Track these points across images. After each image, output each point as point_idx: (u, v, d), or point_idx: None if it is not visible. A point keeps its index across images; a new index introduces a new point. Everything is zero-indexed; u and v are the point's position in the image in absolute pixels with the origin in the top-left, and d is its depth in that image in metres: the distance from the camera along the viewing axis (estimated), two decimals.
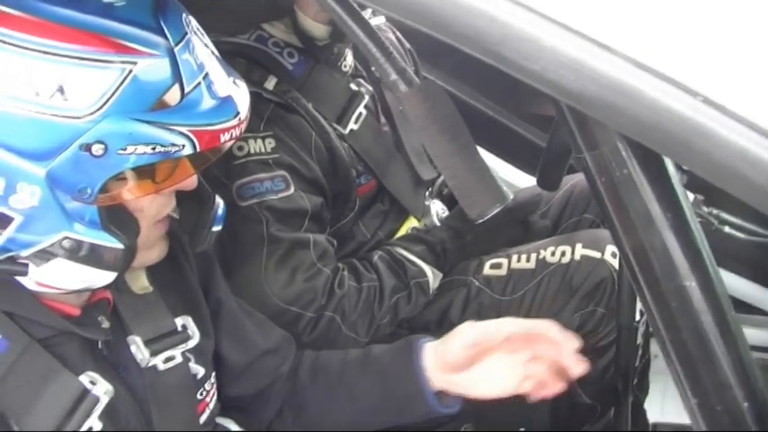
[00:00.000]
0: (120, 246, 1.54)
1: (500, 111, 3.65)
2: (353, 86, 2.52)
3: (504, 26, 0.97)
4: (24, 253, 1.52)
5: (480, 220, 1.28)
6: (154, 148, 1.42)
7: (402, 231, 2.64)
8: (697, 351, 1.13)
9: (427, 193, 2.76)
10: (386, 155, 2.58)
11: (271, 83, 2.32)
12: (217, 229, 1.77)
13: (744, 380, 1.13)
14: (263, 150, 2.26)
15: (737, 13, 1.07)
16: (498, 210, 1.25)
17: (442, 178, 2.81)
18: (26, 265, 1.53)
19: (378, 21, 2.59)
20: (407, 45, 2.74)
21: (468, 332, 1.90)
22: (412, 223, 2.66)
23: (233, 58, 2.21)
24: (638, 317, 2.37)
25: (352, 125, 2.47)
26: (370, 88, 2.57)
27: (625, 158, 1.08)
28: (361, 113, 2.49)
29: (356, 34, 1.22)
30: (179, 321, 1.83)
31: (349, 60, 2.54)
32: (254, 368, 2.04)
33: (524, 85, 1.02)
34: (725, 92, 0.96)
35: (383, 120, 2.63)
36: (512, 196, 1.28)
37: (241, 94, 1.57)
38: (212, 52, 1.58)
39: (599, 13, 1.01)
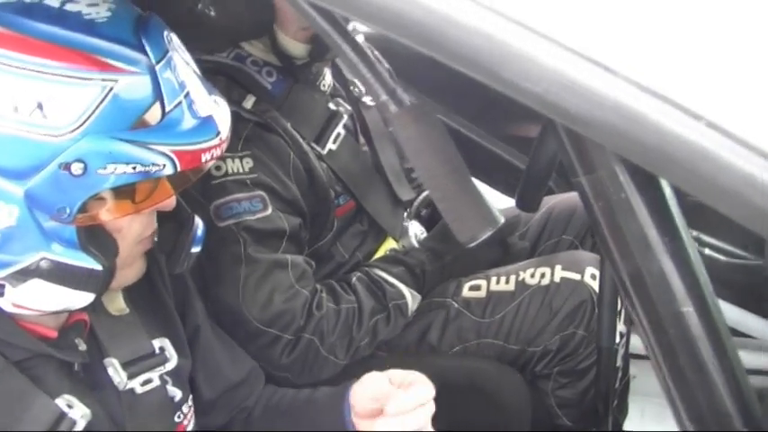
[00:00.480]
0: (99, 266, 1.52)
1: (476, 131, 3.64)
2: (332, 106, 2.51)
3: (503, 47, 0.95)
4: (0, 273, 1.49)
5: (471, 244, 1.26)
6: (134, 168, 1.41)
7: (380, 252, 2.62)
8: (695, 378, 1.12)
9: (405, 214, 2.74)
10: (364, 175, 2.57)
11: (249, 102, 2.31)
12: (195, 250, 1.75)
13: (742, 407, 1.11)
14: (240, 170, 2.24)
15: (743, 36, 1.06)
16: (490, 234, 1.24)
17: (419, 199, 2.81)
18: (2, 285, 1.51)
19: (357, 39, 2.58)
20: (386, 64, 2.73)
21: (369, 385, 1.87)
22: (390, 244, 2.65)
23: (213, 75, 2.20)
24: (617, 339, 2.37)
25: (330, 145, 2.45)
26: (349, 108, 2.57)
27: (623, 182, 1.07)
28: (339, 133, 2.48)
29: (345, 54, 1.20)
30: (156, 343, 1.81)
31: (327, 80, 2.53)
32: (222, 402, 2.02)
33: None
34: (728, 115, 0.95)
35: (362, 140, 2.62)
36: (503, 220, 1.26)
37: (222, 114, 1.56)
38: (194, 70, 1.57)
39: (601, 35, 1.00)
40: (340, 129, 2.49)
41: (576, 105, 0.94)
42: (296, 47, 2.33)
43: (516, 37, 0.95)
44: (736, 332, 3.17)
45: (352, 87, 2.62)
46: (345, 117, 2.52)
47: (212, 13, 2.22)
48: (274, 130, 2.30)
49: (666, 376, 1.14)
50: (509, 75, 0.95)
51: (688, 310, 1.09)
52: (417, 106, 1.21)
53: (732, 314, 3.13)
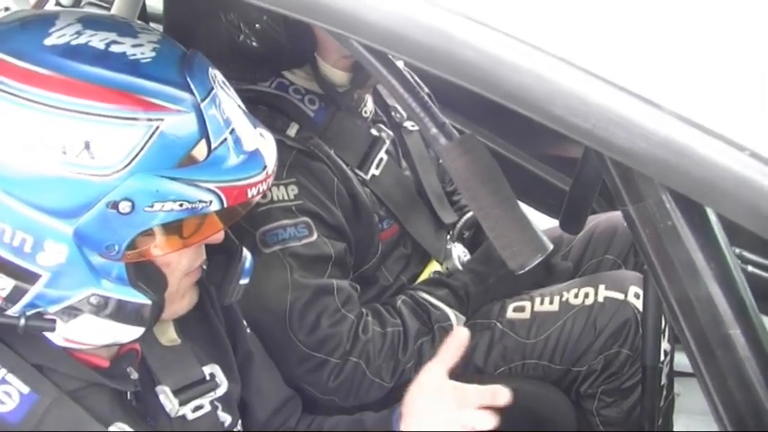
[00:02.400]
0: (148, 301, 1.54)
1: (515, 151, 3.65)
2: (374, 132, 2.53)
3: (553, 85, 0.98)
4: (52, 309, 1.52)
5: (521, 271, 1.28)
6: (181, 205, 1.42)
7: (424, 275, 2.63)
8: (742, 398, 1.14)
9: (448, 237, 2.76)
10: (407, 199, 2.59)
11: (292, 130, 2.33)
12: (244, 282, 1.75)
13: None
14: (286, 197, 2.26)
15: None
16: (539, 260, 1.27)
17: (462, 222, 2.83)
18: (54, 321, 1.53)
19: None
20: (426, 89, 2.75)
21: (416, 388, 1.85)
22: (434, 267, 2.66)
23: (254, 105, 2.22)
24: (662, 357, 2.37)
25: (373, 170, 2.48)
26: (391, 133, 2.58)
27: (669, 210, 1.09)
28: (382, 159, 2.50)
29: (395, 89, 1.23)
30: (207, 370, 1.82)
31: (369, 106, 2.55)
32: (270, 422, 2.03)
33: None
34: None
35: (404, 164, 2.64)
36: (551, 246, 1.29)
37: (268, 147, 1.57)
38: (239, 105, 1.57)
39: (645, 71, 1.02)
40: (382, 154, 2.51)
41: (625, 140, 0.97)
42: (337, 75, 2.37)
43: (565, 75, 0.98)
44: None
45: (393, 113, 2.65)
46: (387, 142, 2.54)
47: (254, 44, 2.26)
48: (318, 158, 2.32)
49: (714, 397, 1.16)
50: (559, 111, 0.97)
51: (735, 332, 1.11)
52: (466, 139, 1.25)
53: None
